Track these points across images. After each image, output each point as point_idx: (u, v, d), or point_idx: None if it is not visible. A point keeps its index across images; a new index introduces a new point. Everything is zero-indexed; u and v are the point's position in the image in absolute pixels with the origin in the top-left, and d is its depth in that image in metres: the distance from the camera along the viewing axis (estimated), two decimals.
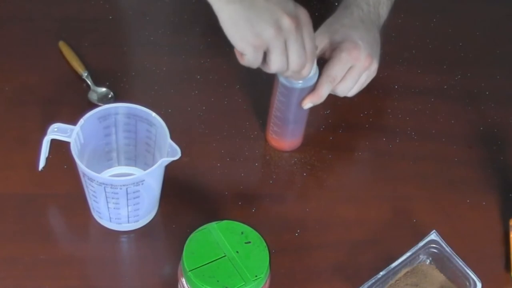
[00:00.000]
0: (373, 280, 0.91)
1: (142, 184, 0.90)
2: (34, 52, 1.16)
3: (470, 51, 1.25)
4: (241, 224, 0.86)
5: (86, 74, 1.12)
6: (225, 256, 0.83)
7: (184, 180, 1.03)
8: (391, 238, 1.00)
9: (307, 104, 1.01)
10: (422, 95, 1.18)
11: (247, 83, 1.15)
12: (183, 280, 0.84)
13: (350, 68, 1.02)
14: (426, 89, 1.19)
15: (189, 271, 0.82)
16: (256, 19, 0.89)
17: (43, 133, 0.93)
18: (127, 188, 0.90)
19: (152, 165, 0.90)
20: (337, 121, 1.13)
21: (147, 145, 0.97)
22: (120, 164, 1.01)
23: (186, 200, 1.01)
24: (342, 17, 1.08)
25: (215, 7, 0.90)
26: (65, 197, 1.00)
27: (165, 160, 0.90)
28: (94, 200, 0.94)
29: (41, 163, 0.96)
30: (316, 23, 0.98)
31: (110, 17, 1.22)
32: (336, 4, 1.13)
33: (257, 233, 0.85)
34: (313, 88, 1.00)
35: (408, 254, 0.94)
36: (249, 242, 0.84)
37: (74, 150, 0.90)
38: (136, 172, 1.01)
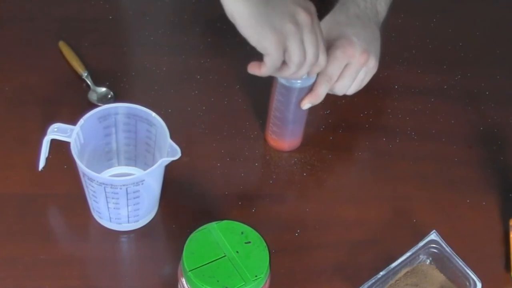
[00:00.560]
0: (373, 280, 0.91)
1: (142, 184, 0.90)
2: (34, 52, 1.16)
3: (470, 51, 1.25)
4: (241, 224, 0.86)
5: (86, 74, 1.12)
6: (225, 256, 0.83)
7: (184, 180, 1.03)
8: (391, 238, 1.00)
9: (306, 104, 1.01)
10: (422, 95, 1.18)
11: (247, 83, 1.15)
12: (183, 280, 0.84)
13: (346, 65, 1.02)
14: (426, 89, 1.19)
15: (189, 271, 0.82)
16: (275, 17, 0.89)
17: (43, 133, 0.93)
18: (127, 188, 0.90)
19: (152, 165, 0.90)
20: (337, 121, 1.13)
21: (147, 145, 0.97)
22: (120, 164, 1.01)
23: (186, 200, 1.01)
24: (338, 15, 1.07)
25: (230, 8, 0.90)
26: (65, 197, 1.00)
27: (165, 160, 0.90)
28: (94, 200, 0.94)
29: (41, 163, 0.96)
30: None
31: (110, 17, 1.22)
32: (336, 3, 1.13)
33: (257, 233, 0.85)
34: (311, 88, 1.00)
35: (408, 254, 0.94)
36: (249, 242, 0.84)
37: (74, 150, 0.90)
38: (136, 172, 1.01)
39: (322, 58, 0.95)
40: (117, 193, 0.90)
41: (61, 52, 1.15)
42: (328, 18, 1.08)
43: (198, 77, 1.15)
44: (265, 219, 1.00)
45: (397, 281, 0.94)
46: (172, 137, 0.91)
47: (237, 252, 0.83)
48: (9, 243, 0.95)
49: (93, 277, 0.95)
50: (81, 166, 0.89)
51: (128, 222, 0.96)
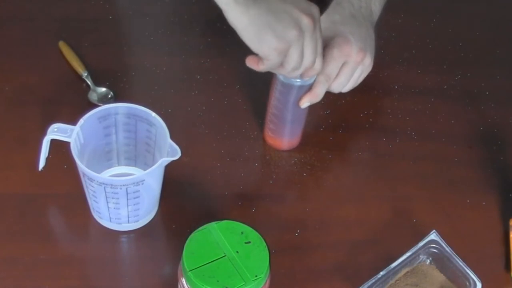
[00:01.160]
0: (373, 280, 0.91)
1: (142, 184, 0.90)
2: (34, 52, 1.16)
3: (470, 51, 1.25)
4: (241, 224, 0.86)
5: (86, 74, 1.12)
6: (225, 256, 0.83)
7: (184, 180, 1.03)
8: (391, 238, 1.00)
9: (305, 103, 1.01)
10: (422, 95, 1.18)
11: (247, 83, 1.15)
12: (183, 280, 0.84)
13: (343, 64, 1.02)
14: (426, 89, 1.19)
15: (189, 271, 0.82)
16: (277, 23, 0.89)
17: (43, 133, 0.93)
18: (127, 188, 0.90)
19: (152, 165, 0.90)
20: (337, 121, 1.13)
21: (147, 145, 0.97)
22: (120, 164, 1.01)
23: (186, 200, 1.01)
24: (333, 14, 1.08)
25: (231, 16, 0.89)
26: (65, 197, 1.00)
27: (165, 160, 0.90)
28: (94, 200, 0.94)
29: (41, 163, 0.96)
30: None
31: (110, 17, 1.22)
32: None
33: (257, 233, 0.85)
34: (310, 86, 1.00)
35: (408, 254, 0.94)
36: (249, 242, 0.84)
37: (74, 150, 0.90)
38: (136, 172, 1.01)
39: (318, 62, 0.96)
40: (117, 193, 0.90)
41: (61, 52, 1.15)
42: (323, 18, 1.08)
43: (198, 77, 1.15)
44: (265, 219, 1.00)
45: (397, 281, 0.94)
46: (172, 137, 0.91)
47: (237, 252, 0.83)
48: (9, 243, 0.95)
49: (93, 277, 0.95)
50: (81, 166, 0.89)
51: (128, 222, 0.96)
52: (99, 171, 0.98)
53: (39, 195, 1.00)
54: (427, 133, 1.13)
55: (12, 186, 1.00)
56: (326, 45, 1.02)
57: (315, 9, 0.93)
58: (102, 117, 0.94)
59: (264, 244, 0.84)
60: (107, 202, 0.92)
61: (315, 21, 0.92)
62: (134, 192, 0.91)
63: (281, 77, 0.99)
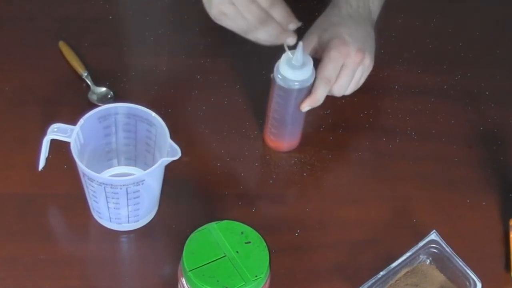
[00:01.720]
0: (373, 280, 0.91)
1: (142, 184, 0.90)
2: (34, 52, 1.16)
3: (470, 51, 1.25)
4: (241, 224, 0.86)
5: (86, 74, 1.12)
6: (225, 256, 0.83)
7: (184, 180, 1.03)
8: (391, 238, 1.00)
9: (306, 107, 1.00)
10: (422, 95, 1.18)
11: (247, 83, 1.14)
12: (183, 280, 0.84)
13: (343, 66, 1.02)
14: (426, 89, 1.19)
15: (189, 271, 0.82)
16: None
17: (43, 133, 0.93)
18: (127, 188, 0.90)
19: (152, 165, 0.90)
20: (337, 121, 1.13)
21: (147, 145, 0.97)
22: (120, 164, 1.01)
23: (186, 200, 1.02)
24: (331, 15, 1.07)
25: None
26: (65, 197, 1.00)
27: (165, 160, 0.90)
28: (94, 200, 0.94)
29: (41, 163, 0.96)
30: None
31: (110, 17, 1.22)
32: None
33: (257, 233, 0.85)
34: (310, 89, 1.00)
35: (408, 254, 0.94)
36: (249, 242, 0.84)
37: (74, 150, 0.90)
38: (136, 172, 1.01)
39: (275, 12, 0.97)
40: (117, 193, 0.90)
41: (61, 52, 1.15)
42: (321, 19, 1.08)
43: (198, 77, 1.15)
44: (265, 219, 1.00)
45: (397, 281, 0.94)
46: (172, 137, 0.91)
47: (237, 252, 0.83)
48: (9, 243, 0.95)
49: (93, 277, 0.95)
50: (81, 166, 0.89)
51: (128, 222, 0.96)
52: (99, 171, 0.98)
53: (39, 195, 1.00)
54: (427, 133, 1.13)
55: (12, 186, 1.00)
56: (324, 48, 1.02)
57: None
58: (102, 117, 0.94)
59: (264, 244, 0.84)
60: (107, 202, 0.92)
61: None
62: (134, 192, 0.91)
63: (279, 82, 0.99)
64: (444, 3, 1.32)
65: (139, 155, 1.00)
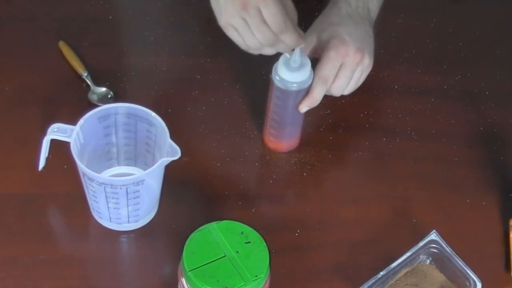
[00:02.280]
0: (373, 280, 0.91)
1: (142, 184, 0.90)
2: (34, 52, 1.16)
3: (470, 51, 1.25)
4: (241, 224, 0.86)
5: (86, 74, 1.12)
6: (225, 256, 0.83)
7: (184, 180, 1.03)
8: (391, 238, 1.00)
9: (304, 108, 1.00)
10: (422, 95, 1.18)
11: (247, 83, 1.15)
12: (183, 280, 0.84)
13: (341, 65, 1.01)
14: (426, 89, 1.19)
15: (189, 271, 0.82)
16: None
17: (43, 133, 0.93)
18: (127, 188, 0.90)
19: (152, 165, 0.90)
20: (337, 121, 1.13)
21: (147, 145, 0.97)
22: (120, 164, 1.01)
23: (186, 200, 1.02)
24: (330, 15, 1.07)
25: None
26: (65, 197, 1.00)
27: (165, 160, 0.90)
28: (94, 200, 0.94)
29: (41, 163, 0.96)
30: None
31: (110, 17, 1.22)
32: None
33: (257, 233, 0.85)
34: (308, 90, 1.00)
35: (408, 254, 0.94)
36: (249, 242, 0.84)
37: (74, 150, 0.90)
38: (136, 172, 1.01)
39: (286, 37, 0.93)
40: (117, 193, 0.90)
41: (61, 52, 1.15)
42: (320, 19, 1.08)
43: (198, 77, 1.15)
44: (265, 219, 1.00)
45: (397, 281, 0.94)
46: (172, 137, 0.91)
47: (237, 252, 0.83)
48: (9, 243, 0.95)
49: (93, 277, 0.95)
50: (81, 166, 0.89)
51: (128, 222, 0.96)
52: (99, 171, 0.98)
53: (39, 195, 1.00)
54: (427, 133, 1.13)
55: (12, 186, 1.00)
56: (323, 47, 1.02)
57: None
58: (102, 117, 0.94)
59: (264, 244, 0.84)
60: (107, 202, 0.92)
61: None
62: (134, 192, 0.91)
63: (278, 83, 0.98)
64: (444, 3, 1.32)
65: (139, 155, 1.00)
